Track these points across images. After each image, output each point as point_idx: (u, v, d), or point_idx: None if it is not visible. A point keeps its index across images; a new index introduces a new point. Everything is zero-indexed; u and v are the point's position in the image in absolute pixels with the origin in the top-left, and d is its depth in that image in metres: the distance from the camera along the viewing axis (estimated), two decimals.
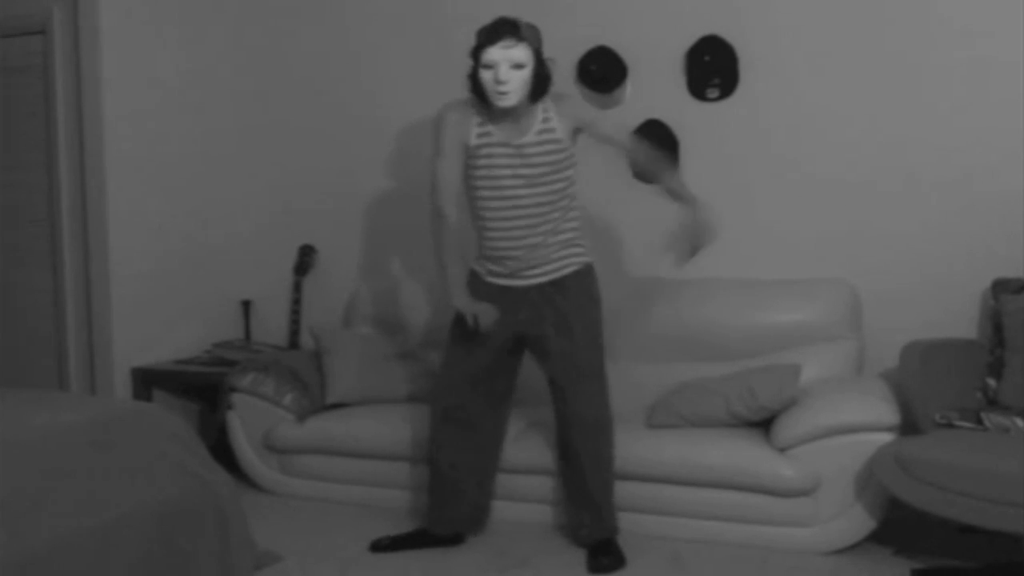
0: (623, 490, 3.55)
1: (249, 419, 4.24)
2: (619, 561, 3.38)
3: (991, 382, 3.56)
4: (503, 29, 3.22)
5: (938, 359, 3.55)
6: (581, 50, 4.32)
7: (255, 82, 5.05)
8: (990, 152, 3.85)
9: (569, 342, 3.42)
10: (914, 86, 3.95)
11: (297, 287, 4.91)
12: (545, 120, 3.34)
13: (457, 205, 3.40)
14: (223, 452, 4.23)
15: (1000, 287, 3.68)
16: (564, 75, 4.13)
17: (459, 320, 3.45)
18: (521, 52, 3.22)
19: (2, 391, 3.52)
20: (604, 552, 3.40)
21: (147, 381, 4.65)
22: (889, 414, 3.38)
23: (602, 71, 4.30)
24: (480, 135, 3.36)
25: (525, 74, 3.24)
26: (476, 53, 3.27)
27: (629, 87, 4.32)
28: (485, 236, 3.45)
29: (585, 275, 3.48)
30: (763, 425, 3.66)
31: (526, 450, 3.75)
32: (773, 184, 4.17)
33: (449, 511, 3.59)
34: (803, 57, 4.09)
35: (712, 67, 4.19)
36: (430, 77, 4.65)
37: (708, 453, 3.51)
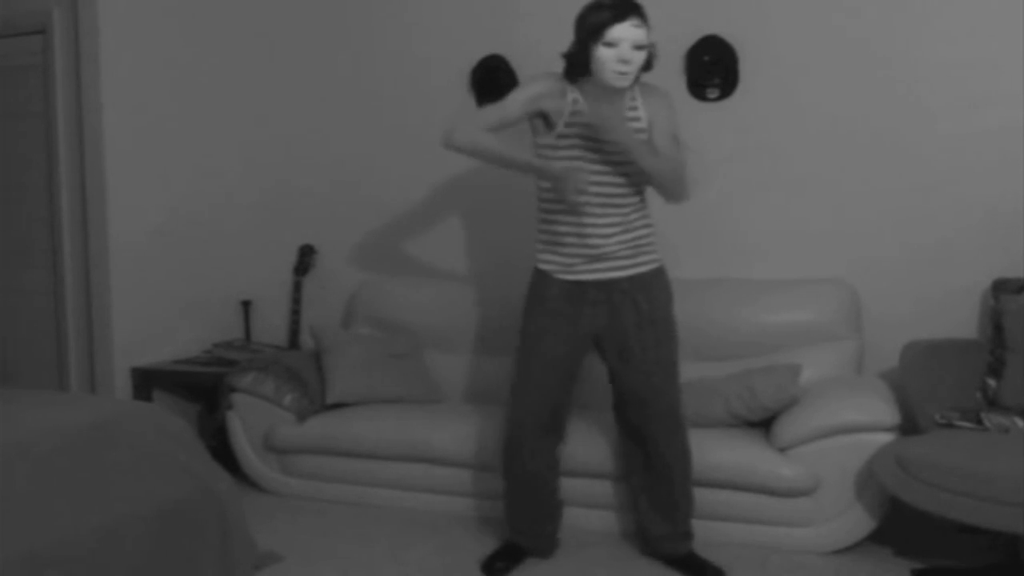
0: (623, 490, 3.55)
1: (249, 419, 4.23)
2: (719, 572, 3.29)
3: (991, 382, 3.56)
4: (630, 8, 3.08)
5: (938, 359, 3.55)
6: None
7: (255, 82, 5.05)
8: (990, 152, 3.85)
9: (639, 351, 3.29)
10: (914, 86, 3.94)
11: (297, 287, 4.91)
12: (632, 107, 3.24)
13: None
14: (223, 452, 4.24)
15: (1000, 287, 3.68)
16: None
17: (529, 319, 3.34)
18: (644, 33, 3.10)
19: (2, 391, 3.52)
20: (699, 568, 3.30)
21: (147, 381, 4.65)
22: (889, 414, 3.38)
23: None
24: (574, 113, 3.20)
25: (643, 56, 3.14)
26: (598, 30, 3.07)
27: None
28: (562, 223, 3.28)
29: (651, 280, 3.31)
30: (763, 425, 3.66)
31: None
32: (773, 184, 4.17)
33: (543, 524, 3.46)
34: (803, 57, 4.09)
35: (712, 67, 4.19)
36: (430, 78, 4.66)
37: (708, 453, 3.50)
